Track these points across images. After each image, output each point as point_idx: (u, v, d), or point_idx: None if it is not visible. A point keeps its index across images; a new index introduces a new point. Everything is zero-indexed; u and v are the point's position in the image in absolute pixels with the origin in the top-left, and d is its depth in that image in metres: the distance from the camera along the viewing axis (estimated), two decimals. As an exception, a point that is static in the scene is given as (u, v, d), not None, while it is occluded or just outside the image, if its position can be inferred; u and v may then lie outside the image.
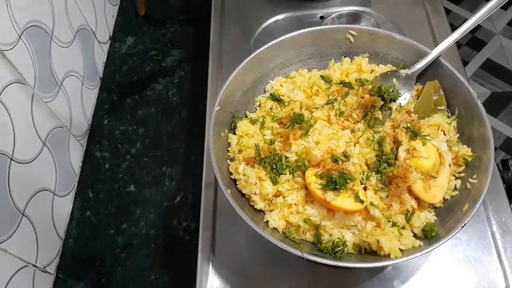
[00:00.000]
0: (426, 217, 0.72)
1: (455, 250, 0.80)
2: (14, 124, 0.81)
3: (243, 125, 0.83)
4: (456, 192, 0.75)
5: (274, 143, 0.80)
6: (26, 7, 0.87)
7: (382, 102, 0.81)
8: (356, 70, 0.89)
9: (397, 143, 0.78)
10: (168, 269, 0.93)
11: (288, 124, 0.81)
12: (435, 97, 0.84)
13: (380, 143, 0.76)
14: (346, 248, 0.71)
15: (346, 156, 0.75)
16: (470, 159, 0.76)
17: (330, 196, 0.70)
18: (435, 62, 0.84)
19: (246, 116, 0.87)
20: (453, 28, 0.90)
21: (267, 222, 0.75)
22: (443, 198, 0.75)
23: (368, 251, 0.72)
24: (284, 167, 0.75)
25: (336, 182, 0.71)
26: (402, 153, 0.75)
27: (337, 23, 1.13)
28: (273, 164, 0.75)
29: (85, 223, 1.00)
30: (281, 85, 0.90)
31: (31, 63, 0.88)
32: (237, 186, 0.78)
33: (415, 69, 0.84)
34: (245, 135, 0.83)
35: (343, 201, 0.71)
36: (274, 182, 0.75)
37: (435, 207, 0.76)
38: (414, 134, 0.77)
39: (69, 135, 1.03)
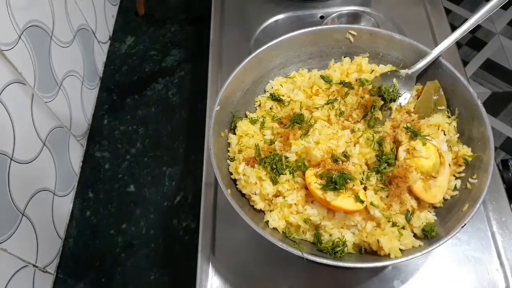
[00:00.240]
0: (426, 217, 0.72)
1: (455, 250, 0.80)
2: (14, 124, 0.81)
3: (243, 125, 0.83)
4: (456, 192, 0.75)
5: (274, 143, 0.80)
6: (26, 7, 0.87)
7: (382, 102, 0.81)
8: (356, 70, 0.89)
9: (397, 143, 0.78)
10: (168, 269, 0.93)
11: (288, 124, 0.81)
12: (435, 97, 0.84)
13: (380, 143, 0.76)
14: (346, 248, 0.71)
15: (346, 156, 0.75)
16: (470, 159, 0.76)
17: (330, 196, 0.70)
18: (435, 62, 0.84)
19: (246, 116, 0.87)
20: (453, 28, 0.90)
21: (267, 222, 0.75)
22: (443, 198, 0.75)
23: (368, 251, 0.72)
24: (284, 167, 0.75)
25: (336, 182, 0.71)
26: (402, 153, 0.75)
27: (337, 23, 1.13)
28: (273, 164, 0.75)
29: (85, 223, 1.00)
30: (281, 85, 0.90)
31: (31, 63, 0.88)
32: (237, 186, 0.78)
33: (415, 69, 0.84)
34: (245, 135, 0.83)
35: (343, 201, 0.71)
36: (274, 182, 0.75)
37: (435, 207, 0.76)
38: (414, 134, 0.77)
39: (69, 135, 1.03)
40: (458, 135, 0.80)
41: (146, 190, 1.04)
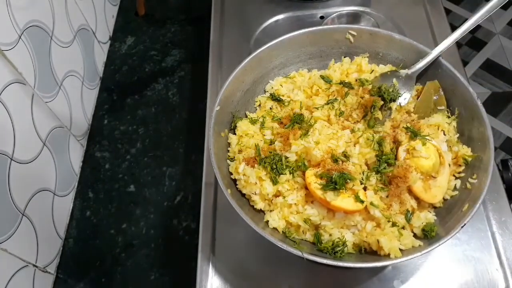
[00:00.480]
0: (426, 217, 0.72)
1: (455, 250, 0.80)
2: (14, 124, 0.81)
3: (243, 125, 0.83)
4: (456, 192, 0.75)
5: (274, 143, 0.80)
6: (26, 7, 0.87)
7: (382, 102, 0.81)
8: (356, 70, 0.89)
9: (397, 143, 0.78)
10: (168, 269, 0.93)
11: (288, 124, 0.81)
12: (435, 97, 0.84)
13: (380, 143, 0.76)
14: (346, 248, 0.71)
15: (346, 156, 0.75)
16: (470, 159, 0.76)
17: (330, 196, 0.70)
18: (435, 62, 0.84)
19: (246, 116, 0.88)
20: (453, 28, 0.90)
21: (267, 222, 0.75)
22: (443, 198, 0.75)
23: (368, 251, 0.72)
24: (284, 167, 0.75)
25: (336, 182, 0.71)
26: (402, 153, 0.75)
27: (337, 23, 1.13)
28: (273, 164, 0.75)
29: (85, 223, 1.00)
30: (281, 85, 0.90)
31: (31, 63, 0.88)
32: (237, 186, 0.78)
33: (415, 69, 0.84)
34: (245, 135, 0.83)
35: (343, 201, 0.71)
36: (274, 182, 0.75)
37: (435, 207, 0.76)
38: (414, 134, 0.77)
39: (69, 135, 1.04)
40: (458, 135, 0.80)
41: (146, 190, 1.04)
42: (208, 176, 0.91)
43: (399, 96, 0.83)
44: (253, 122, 0.84)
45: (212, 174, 0.86)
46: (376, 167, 0.75)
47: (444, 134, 0.80)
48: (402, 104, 0.83)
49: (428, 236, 0.70)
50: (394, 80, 0.83)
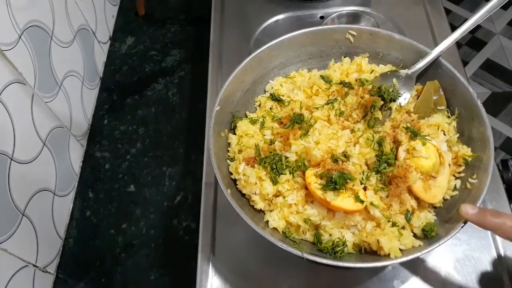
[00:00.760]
0: (426, 217, 0.72)
1: (455, 250, 0.80)
2: (14, 124, 0.81)
3: (243, 125, 0.83)
4: (456, 192, 0.75)
5: (274, 143, 0.80)
6: (26, 7, 0.87)
7: (382, 102, 0.81)
8: (356, 70, 0.89)
9: (397, 143, 0.78)
10: (168, 269, 0.93)
11: (288, 124, 0.81)
12: (435, 97, 0.84)
13: (380, 143, 0.76)
14: (346, 248, 0.71)
15: (346, 156, 0.75)
16: (470, 159, 0.76)
17: (330, 196, 0.70)
18: (435, 62, 0.84)
19: (246, 116, 0.87)
20: (453, 28, 0.90)
21: (267, 222, 0.75)
22: (443, 198, 0.75)
23: (368, 251, 0.72)
24: (284, 167, 0.75)
25: (336, 182, 0.71)
26: (402, 153, 0.75)
27: (337, 23, 1.13)
28: (273, 164, 0.75)
29: (85, 223, 1.00)
30: (281, 85, 0.90)
31: (31, 63, 0.88)
32: (237, 186, 0.78)
33: (415, 69, 0.84)
34: (245, 135, 0.83)
35: (343, 201, 0.71)
36: (274, 182, 0.75)
37: (435, 207, 0.76)
38: (414, 134, 0.77)
39: (69, 135, 1.04)
40: (458, 135, 0.80)
41: (146, 190, 1.04)
42: (208, 176, 0.91)
43: (399, 96, 0.83)
44: (253, 122, 0.84)
45: (212, 174, 0.86)
46: (376, 167, 0.75)
47: (444, 134, 0.80)
48: (402, 104, 0.83)
49: (428, 236, 0.70)
50: (394, 80, 0.83)
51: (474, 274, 0.78)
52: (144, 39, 1.31)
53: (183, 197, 1.02)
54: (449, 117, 0.82)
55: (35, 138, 0.89)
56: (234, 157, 0.81)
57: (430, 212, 0.74)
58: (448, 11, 2.42)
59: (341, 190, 0.71)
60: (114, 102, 1.19)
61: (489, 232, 0.82)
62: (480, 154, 0.74)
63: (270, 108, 0.88)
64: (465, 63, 2.34)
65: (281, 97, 0.88)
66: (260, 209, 0.76)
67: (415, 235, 0.72)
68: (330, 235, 0.72)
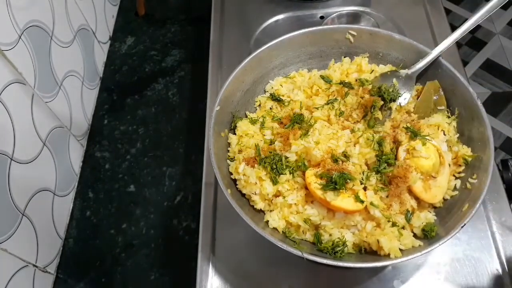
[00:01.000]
0: (426, 217, 0.72)
1: (455, 250, 0.80)
2: (14, 124, 0.81)
3: (243, 125, 0.83)
4: (456, 192, 0.75)
5: (274, 143, 0.80)
6: (26, 7, 0.87)
7: (382, 102, 0.81)
8: (356, 70, 0.89)
9: (397, 143, 0.78)
10: (168, 269, 0.93)
11: (288, 124, 0.81)
12: (435, 97, 0.84)
13: (380, 143, 0.76)
14: (346, 248, 0.71)
15: (346, 156, 0.75)
16: (470, 159, 0.76)
17: (330, 196, 0.70)
18: (435, 62, 0.84)
19: (246, 116, 0.88)
20: (453, 28, 0.90)
21: (267, 222, 0.75)
22: (443, 198, 0.75)
23: (368, 251, 0.72)
24: (284, 167, 0.75)
25: (336, 182, 0.71)
26: (402, 153, 0.75)
27: (337, 23, 1.13)
28: (273, 164, 0.75)
29: (85, 223, 1.00)
30: (281, 85, 0.90)
31: (31, 63, 0.88)
32: (237, 186, 0.78)
33: (415, 69, 0.84)
34: (245, 135, 0.83)
35: (343, 201, 0.71)
36: (274, 182, 0.75)
37: (435, 207, 0.76)
38: (414, 134, 0.77)
39: (69, 135, 1.04)
40: (458, 135, 0.80)
41: (146, 190, 1.04)
42: (208, 176, 0.91)
43: (399, 96, 0.83)
44: (253, 122, 0.84)
45: (212, 174, 0.86)
46: (376, 167, 0.75)
47: (444, 134, 0.80)
48: (402, 104, 0.83)
49: (428, 236, 0.70)
50: (394, 80, 0.83)
51: (474, 274, 0.78)
52: (144, 39, 1.31)
53: (183, 197, 1.02)
54: (449, 117, 0.82)
55: (35, 138, 0.89)
56: (234, 157, 0.81)
57: (430, 212, 0.74)
58: (448, 11, 2.42)
59: (341, 190, 0.71)
60: (114, 102, 1.19)
61: (489, 232, 0.82)
62: (480, 154, 0.74)
63: (270, 108, 0.88)
64: (465, 63, 2.34)
65: (281, 97, 0.88)
66: (260, 209, 0.76)
67: (415, 235, 0.72)
68: (330, 235, 0.72)
